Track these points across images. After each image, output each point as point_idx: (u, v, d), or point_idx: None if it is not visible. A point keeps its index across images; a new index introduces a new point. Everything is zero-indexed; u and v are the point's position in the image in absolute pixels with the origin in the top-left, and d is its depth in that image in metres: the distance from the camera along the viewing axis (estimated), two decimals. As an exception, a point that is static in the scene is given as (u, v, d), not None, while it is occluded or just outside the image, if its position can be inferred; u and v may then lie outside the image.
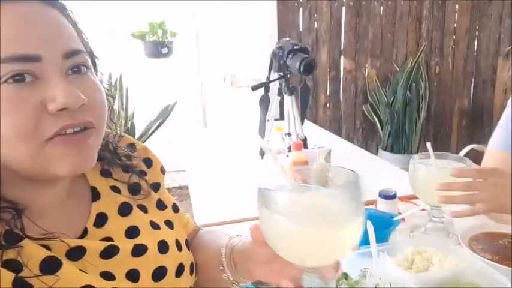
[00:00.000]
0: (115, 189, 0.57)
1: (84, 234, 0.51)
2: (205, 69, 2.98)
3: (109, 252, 0.50)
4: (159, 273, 0.54)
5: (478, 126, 3.14)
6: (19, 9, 0.43)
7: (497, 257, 0.78)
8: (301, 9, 2.69)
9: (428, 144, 0.92)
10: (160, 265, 0.54)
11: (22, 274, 0.42)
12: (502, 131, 1.04)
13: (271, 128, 1.52)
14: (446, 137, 3.16)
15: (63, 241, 0.46)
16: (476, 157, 0.93)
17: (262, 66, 2.76)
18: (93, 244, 0.50)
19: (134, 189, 0.58)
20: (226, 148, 1.77)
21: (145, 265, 0.53)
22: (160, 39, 2.63)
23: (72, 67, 0.46)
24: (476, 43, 3.01)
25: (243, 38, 3.38)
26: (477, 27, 2.97)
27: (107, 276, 0.49)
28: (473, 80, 3.08)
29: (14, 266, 0.42)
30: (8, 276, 0.41)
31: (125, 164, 0.59)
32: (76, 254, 0.47)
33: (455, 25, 2.95)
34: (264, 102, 1.51)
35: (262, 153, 1.56)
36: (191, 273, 0.59)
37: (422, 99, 2.79)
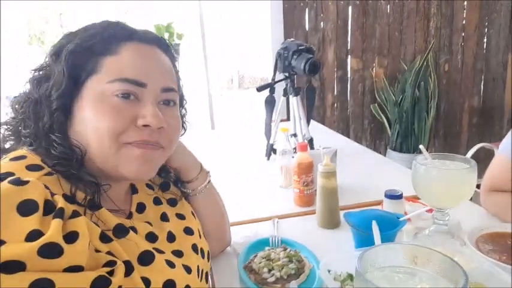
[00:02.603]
0: (149, 186, 0.73)
1: (129, 216, 0.64)
2: (212, 71, 2.99)
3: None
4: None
5: (489, 124, 3.09)
6: (142, 48, 0.60)
7: (504, 257, 0.77)
8: (307, 9, 2.68)
9: (421, 146, 0.92)
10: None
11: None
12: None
13: (277, 129, 1.52)
14: (456, 136, 3.12)
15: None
16: (486, 155, 0.91)
17: (269, 67, 2.77)
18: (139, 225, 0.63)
19: (164, 185, 0.75)
20: (233, 150, 1.77)
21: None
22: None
23: (164, 100, 0.62)
24: (485, 40, 2.97)
25: (249, 39, 3.39)
26: (486, 23, 2.93)
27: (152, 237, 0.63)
28: (483, 77, 3.04)
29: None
30: (96, 229, 0.52)
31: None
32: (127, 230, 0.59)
33: (464, 22, 2.91)
34: (270, 103, 1.52)
35: (268, 154, 1.56)
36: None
37: (431, 98, 2.75)
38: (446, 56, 2.94)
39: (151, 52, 0.61)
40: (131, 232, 0.58)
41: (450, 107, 3.03)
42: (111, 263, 0.49)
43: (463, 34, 2.92)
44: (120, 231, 0.56)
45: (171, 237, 0.67)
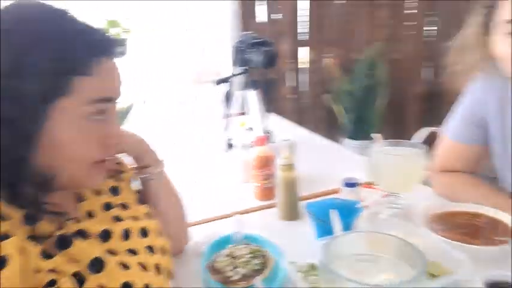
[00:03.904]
0: (97, 192, 0.69)
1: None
2: (165, 66, 2.91)
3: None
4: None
5: (434, 109, 3.27)
6: (111, 63, 0.58)
7: (456, 235, 0.82)
8: (260, 2, 2.68)
9: (374, 134, 0.95)
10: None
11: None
12: (455, 118, 1.07)
13: (235, 122, 1.52)
14: (404, 122, 3.27)
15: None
16: (432, 138, 0.96)
17: (226, 61, 2.74)
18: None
19: (114, 191, 0.72)
20: (189, 146, 1.74)
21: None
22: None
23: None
24: (435, 28, 3.11)
25: (204, 32, 3.33)
26: (430, 13, 3.08)
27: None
28: (427, 65, 3.20)
29: None
30: (35, 247, 0.49)
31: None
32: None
33: (409, 12, 3.03)
34: (228, 97, 1.50)
35: (227, 149, 1.55)
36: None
37: (382, 86, 2.86)
38: (394, 45, 3.06)
39: (114, 66, 0.60)
40: (79, 239, 0.55)
41: (399, 94, 3.17)
42: (54, 282, 0.47)
43: (412, 23, 3.05)
44: (64, 241, 0.53)
45: (126, 235, 0.65)
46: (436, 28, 3.08)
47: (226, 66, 2.72)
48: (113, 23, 2.39)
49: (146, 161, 0.81)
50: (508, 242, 0.78)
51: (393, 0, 2.94)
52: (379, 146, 0.95)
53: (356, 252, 0.59)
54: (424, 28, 3.07)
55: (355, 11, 2.88)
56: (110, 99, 0.57)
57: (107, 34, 0.58)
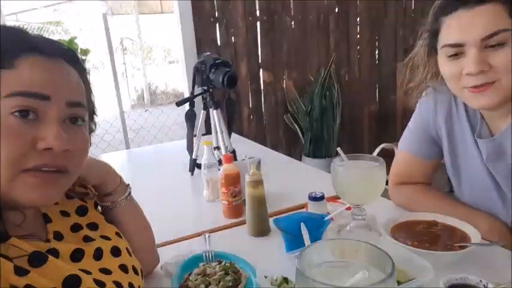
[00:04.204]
0: (63, 213, 0.66)
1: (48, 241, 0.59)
2: (122, 87, 2.86)
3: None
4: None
5: (386, 127, 3.47)
6: (43, 61, 0.53)
7: (416, 242, 0.87)
8: (217, 24, 2.73)
9: (339, 148, 1.00)
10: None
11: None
12: (409, 134, 1.15)
13: (199, 142, 1.52)
14: (359, 139, 3.43)
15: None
16: (385, 154, 1.02)
17: (184, 81, 2.74)
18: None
19: (81, 211, 0.69)
20: (153, 169, 1.71)
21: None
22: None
23: (71, 116, 0.55)
24: (377, 52, 3.34)
25: (162, 53, 3.33)
26: (377, 37, 3.31)
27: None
28: (377, 85, 3.41)
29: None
30: (8, 264, 0.47)
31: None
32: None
33: (358, 36, 3.24)
34: (190, 117, 1.51)
35: (192, 169, 1.54)
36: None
37: (336, 106, 3.00)
38: (345, 67, 3.24)
39: (55, 65, 0.55)
40: (51, 257, 0.53)
41: (353, 113, 3.33)
42: None
43: (358, 47, 3.25)
44: (38, 258, 0.51)
45: (97, 255, 0.62)
46: (380, 52, 3.32)
47: (186, 87, 2.74)
48: (68, 43, 2.33)
49: (111, 188, 0.76)
50: (466, 247, 0.83)
51: (341, 26, 3.13)
52: (342, 161, 0.99)
53: (328, 260, 0.61)
54: (373, 53, 3.30)
55: (306, 35, 3.03)
56: (40, 95, 0.51)
57: (40, 35, 0.57)
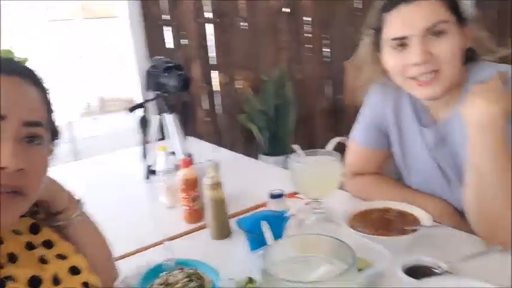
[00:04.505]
0: (15, 232, 0.62)
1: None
2: (67, 96, 2.72)
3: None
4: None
5: (338, 122, 3.58)
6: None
7: (373, 230, 0.91)
8: (167, 27, 2.68)
9: (295, 146, 1.03)
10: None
11: None
12: (359, 127, 1.20)
13: (154, 148, 1.48)
14: (313, 135, 3.51)
15: None
16: (339, 148, 1.06)
17: (134, 86, 2.66)
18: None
19: (34, 228, 0.65)
20: (105, 179, 1.64)
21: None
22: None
23: (28, 136, 0.54)
24: (329, 50, 3.42)
25: (110, 57, 3.21)
26: (327, 35, 3.40)
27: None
28: (331, 83, 3.50)
29: None
30: None
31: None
32: None
33: (308, 35, 3.31)
34: (143, 123, 1.46)
35: (147, 176, 1.50)
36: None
37: (290, 104, 3.05)
38: (297, 66, 3.30)
39: (12, 84, 0.54)
40: (8, 283, 0.52)
41: (306, 110, 3.40)
42: None
43: (308, 46, 3.32)
44: None
45: (56, 280, 0.60)
46: (330, 50, 3.41)
47: (137, 92, 2.66)
48: (5, 54, 2.17)
49: (60, 206, 0.71)
50: (417, 229, 0.88)
51: (291, 25, 3.19)
52: (298, 157, 1.01)
53: (291, 256, 0.62)
54: (323, 49, 3.38)
55: (258, 35, 3.05)
56: None
57: None
